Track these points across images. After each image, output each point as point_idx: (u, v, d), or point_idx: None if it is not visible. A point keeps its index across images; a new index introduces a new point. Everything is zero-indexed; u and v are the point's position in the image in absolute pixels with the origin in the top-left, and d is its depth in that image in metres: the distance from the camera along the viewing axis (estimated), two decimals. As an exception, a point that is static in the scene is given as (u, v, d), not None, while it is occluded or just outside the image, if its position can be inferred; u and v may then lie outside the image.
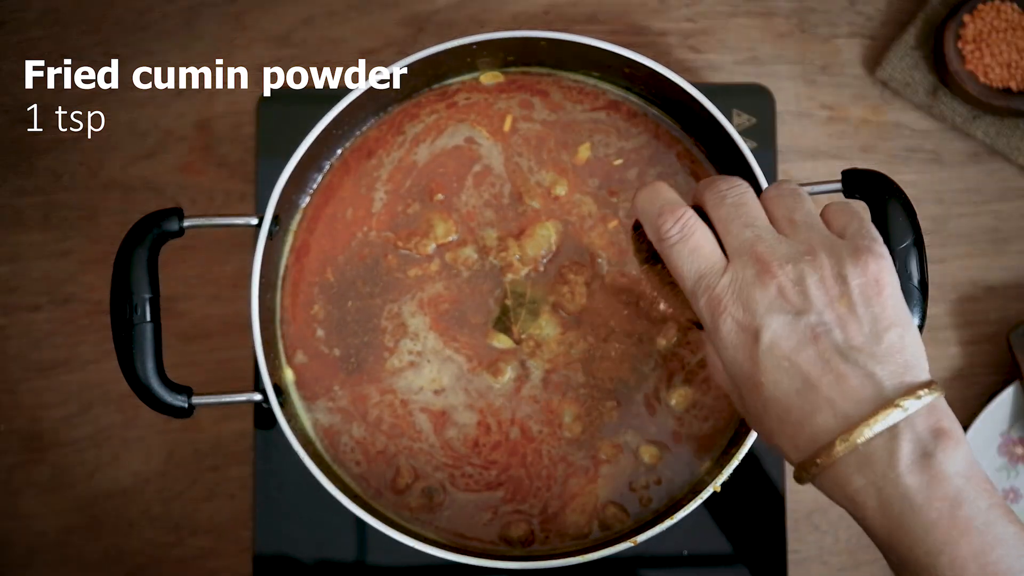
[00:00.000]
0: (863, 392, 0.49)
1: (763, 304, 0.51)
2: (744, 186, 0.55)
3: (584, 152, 0.73)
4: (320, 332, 0.72)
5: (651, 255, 0.60)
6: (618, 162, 0.73)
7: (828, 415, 0.49)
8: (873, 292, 0.51)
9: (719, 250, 0.53)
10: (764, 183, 0.68)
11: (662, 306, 0.71)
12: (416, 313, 0.71)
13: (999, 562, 0.48)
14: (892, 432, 0.49)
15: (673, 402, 0.71)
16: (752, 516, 0.78)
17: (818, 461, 0.50)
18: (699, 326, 0.58)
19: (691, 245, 0.53)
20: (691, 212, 0.54)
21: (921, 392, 0.49)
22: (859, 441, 0.49)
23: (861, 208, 0.56)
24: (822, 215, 0.55)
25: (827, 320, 0.50)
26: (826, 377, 0.49)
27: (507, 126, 0.73)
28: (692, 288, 0.53)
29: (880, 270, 0.52)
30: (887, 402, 0.49)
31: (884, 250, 0.53)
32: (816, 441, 0.50)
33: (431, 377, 0.71)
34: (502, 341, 0.71)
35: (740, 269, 0.52)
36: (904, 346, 0.51)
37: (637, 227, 0.61)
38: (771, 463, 0.78)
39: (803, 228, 0.53)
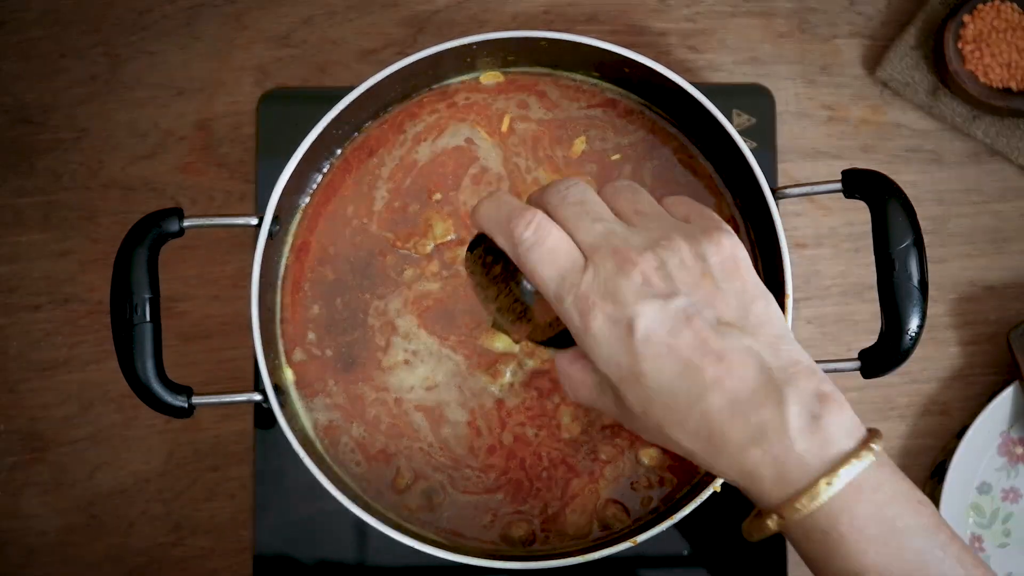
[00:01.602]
0: (745, 368, 0.49)
1: (631, 294, 0.50)
2: (582, 183, 0.54)
3: (579, 146, 0.73)
4: (315, 329, 0.72)
5: (493, 275, 0.58)
6: (615, 157, 0.73)
7: (717, 396, 0.49)
8: (731, 267, 0.52)
9: (576, 249, 0.52)
10: (764, 183, 0.68)
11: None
12: (405, 312, 0.72)
13: (896, 519, 0.49)
14: (779, 400, 0.49)
15: None
16: (752, 516, 0.78)
17: (716, 440, 0.50)
18: (550, 343, 0.56)
19: (548, 246, 0.52)
20: (541, 213, 0.53)
21: (799, 359, 0.50)
22: (751, 415, 0.49)
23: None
24: (662, 206, 0.55)
25: (696, 300, 0.50)
26: (707, 357, 0.49)
27: (505, 126, 0.73)
28: (556, 290, 0.52)
29: (733, 245, 0.52)
30: (770, 374, 0.49)
31: (729, 228, 0.53)
32: (709, 422, 0.50)
33: (424, 375, 0.71)
34: (502, 340, 0.71)
35: (601, 263, 0.51)
36: (770, 317, 0.52)
37: (472, 247, 0.58)
38: (771, 463, 0.78)
39: (651, 217, 0.53)
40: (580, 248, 0.52)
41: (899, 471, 0.51)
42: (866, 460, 0.49)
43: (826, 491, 0.48)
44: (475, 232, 0.58)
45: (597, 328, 0.50)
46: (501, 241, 0.54)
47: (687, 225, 0.53)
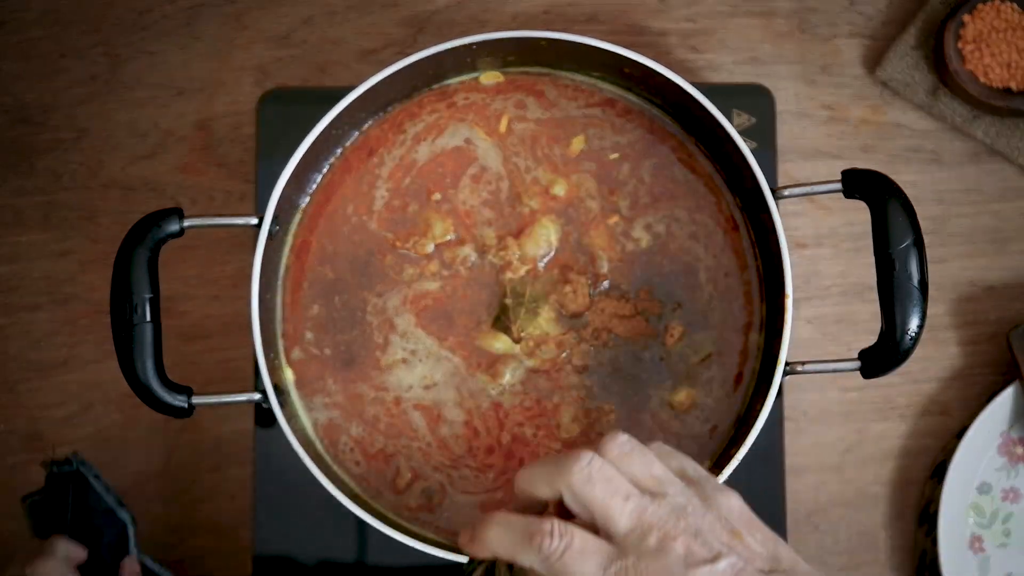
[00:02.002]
0: None
1: (679, 567, 0.51)
2: (593, 455, 0.54)
3: (578, 144, 0.73)
4: (313, 329, 0.72)
5: None
6: (614, 156, 0.73)
7: None
8: (748, 519, 0.54)
9: (601, 540, 0.52)
10: (764, 183, 0.68)
11: (502, 340, 0.71)
12: (404, 310, 0.72)
13: None
14: None
15: (674, 403, 0.71)
16: (752, 516, 0.78)
17: None
18: None
19: (577, 547, 0.52)
20: (557, 520, 0.53)
21: None
22: None
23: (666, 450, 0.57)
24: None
25: (738, 558, 0.52)
26: None
27: (503, 126, 0.73)
28: None
29: (737, 498, 0.54)
30: None
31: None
32: None
33: (422, 374, 0.71)
34: (502, 340, 0.71)
35: (639, 544, 0.51)
36: (791, 555, 0.54)
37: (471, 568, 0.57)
38: (771, 464, 0.78)
39: (666, 483, 0.53)
40: (609, 532, 0.52)
41: None
42: None
43: None
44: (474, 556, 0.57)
45: None
46: (527, 559, 0.53)
47: (696, 486, 0.54)
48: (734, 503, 0.54)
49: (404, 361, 0.71)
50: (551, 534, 0.52)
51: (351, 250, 0.72)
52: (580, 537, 0.52)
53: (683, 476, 0.55)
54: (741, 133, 0.71)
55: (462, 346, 0.71)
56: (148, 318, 0.64)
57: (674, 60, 0.83)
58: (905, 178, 0.82)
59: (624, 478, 0.53)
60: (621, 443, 0.54)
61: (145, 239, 0.65)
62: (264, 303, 0.68)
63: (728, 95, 0.77)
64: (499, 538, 0.54)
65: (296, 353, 0.72)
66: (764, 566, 0.52)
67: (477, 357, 0.71)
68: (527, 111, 0.74)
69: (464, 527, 0.56)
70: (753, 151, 0.68)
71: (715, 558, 0.51)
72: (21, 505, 0.71)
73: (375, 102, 0.72)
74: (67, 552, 0.70)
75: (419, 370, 0.71)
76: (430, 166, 0.73)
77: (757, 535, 0.53)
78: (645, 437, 0.71)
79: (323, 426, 0.71)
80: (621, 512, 0.52)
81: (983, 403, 0.79)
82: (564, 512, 0.53)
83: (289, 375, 0.71)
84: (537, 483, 0.54)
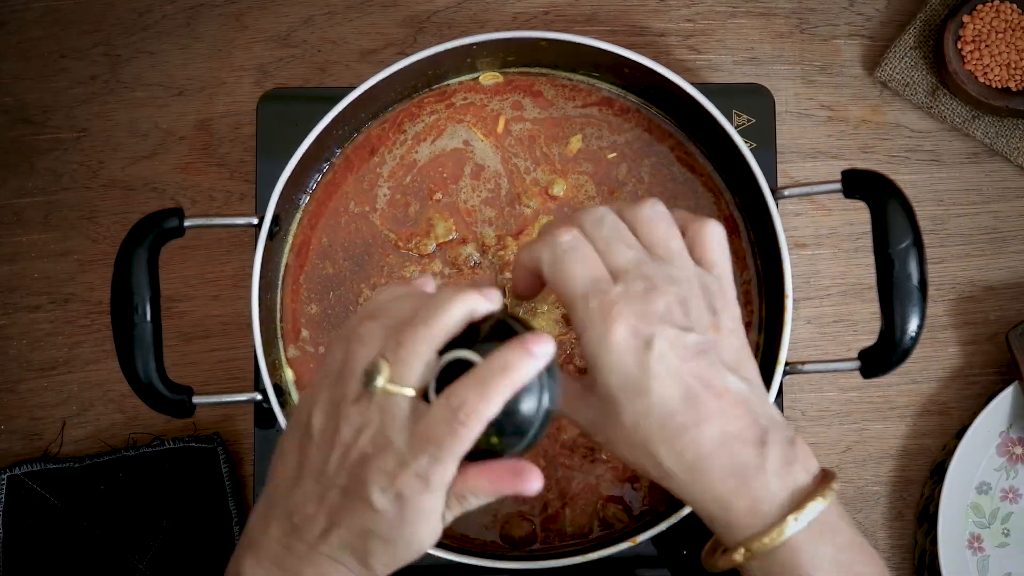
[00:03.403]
0: (738, 408, 0.54)
1: (654, 315, 0.54)
2: (613, 213, 0.57)
3: (576, 144, 0.73)
4: (308, 326, 0.72)
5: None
6: (612, 155, 0.73)
7: (710, 426, 0.53)
8: (736, 327, 0.57)
9: (605, 267, 0.55)
10: (764, 183, 0.68)
11: None
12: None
13: (853, 564, 0.54)
14: (762, 442, 0.54)
15: None
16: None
17: (699, 465, 0.54)
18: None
19: (583, 252, 0.55)
20: (576, 228, 0.56)
21: (775, 413, 0.56)
22: (737, 450, 0.53)
23: (719, 232, 0.58)
24: (684, 234, 0.58)
25: (707, 340, 0.55)
26: (709, 391, 0.54)
27: (500, 127, 0.74)
28: (584, 289, 0.54)
29: (739, 314, 0.57)
30: (756, 418, 0.54)
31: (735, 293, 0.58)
32: (698, 447, 0.53)
33: None
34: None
35: (631, 281, 0.54)
36: (758, 376, 0.57)
37: None
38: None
39: (677, 258, 0.56)
40: (609, 268, 0.55)
41: (850, 517, 0.55)
42: (828, 498, 0.53)
43: (793, 526, 0.53)
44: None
45: (618, 335, 0.53)
46: (539, 247, 0.56)
47: (707, 276, 0.57)
48: (733, 310, 0.57)
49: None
50: (569, 231, 0.56)
51: (351, 243, 0.72)
52: (591, 250, 0.56)
53: (701, 261, 0.57)
54: (741, 133, 0.71)
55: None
56: (148, 318, 0.64)
57: (674, 60, 0.83)
58: (905, 178, 0.82)
59: (633, 237, 0.56)
60: (652, 208, 0.57)
61: (145, 239, 0.65)
62: (264, 303, 0.68)
63: (728, 95, 0.77)
64: (529, 248, 0.57)
65: (292, 351, 0.72)
66: (729, 361, 0.55)
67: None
68: (524, 111, 0.74)
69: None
70: (753, 151, 0.68)
71: (687, 329, 0.54)
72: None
73: (375, 102, 0.72)
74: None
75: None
76: (430, 166, 0.73)
77: (736, 342, 0.56)
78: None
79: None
80: (620, 255, 0.55)
81: (982, 403, 0.79)
82: None
83: (289, 375, 0.71)
84: (549, 231, 0.57)
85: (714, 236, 0.58)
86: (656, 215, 0.57)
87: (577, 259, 0.55)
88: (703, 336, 0.55)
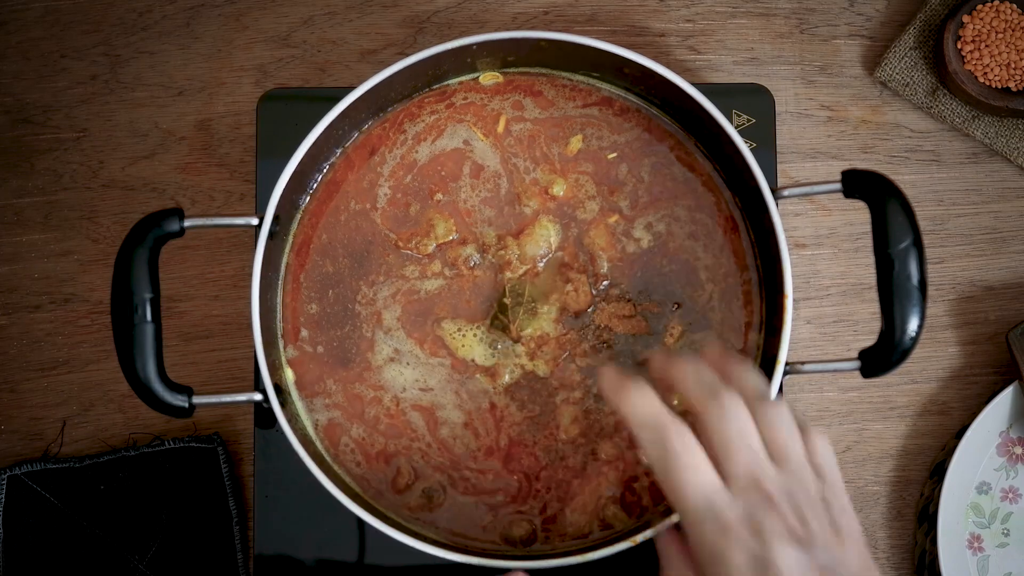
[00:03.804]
0: None
1: (774, 533, 0.52)
2: (739, 400, 0.55)
3: (576, 143, 0.73)
4: (307, 325, 0.72)
5: None
6: (612, 156, 0.73)
7: None
8: (855, 534, 0.55)
9: (715, 471, 0.53)
10: (764, 183, 0.68)
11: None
12: (392, 306, 0.72)
13: None
14: None
15: (675, 403, 0.71)
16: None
17: None
18: None
19: (695, 461, 0.53)
20: (691, 432, 0.54)
21: None
22: None
23: (828, 439, 0.57)
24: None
25: (832, 556, 0.52)
26: None
27: (500, 127, 0.74)
28: (697, 508, 0.52)
29: (855, 517, 0.55)
30: None
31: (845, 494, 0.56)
32: None
33: (415, 378, 0.71)
34: (499, 339, 0.71)
35: (747, 493, 0.52)
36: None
37: None
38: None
39: (794, 462, 0.55)
40: (720, 471, 0.53)
41: None
42: None
43: None
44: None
45: (736, 560, 0.51)
46: (647, 439, 0.55)
47: (821, 484, 0.55)
48: (850, 514, 0.54)
49: (391, 360, 0.71)
50: (681, 436, 0.53)
51: (351, 240, 0.72)
52: (703, 458, 0.53)
53: (814, 464, 0.55)
54: (741, 133, 0.71)
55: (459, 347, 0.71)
56: (148, 318, 0.64)
57: (674, 60, 0.83)
58: (905, 178, 0.82)
59: (755, 433, 0.54)
60: (780, 408, 0.55)
61: (145, 239, 0.65)
62: (264, 303, 0.68)
63: (728, 95, 0.77)
64: (639, 406, 0.55)
65: (292, 351, 0.72)
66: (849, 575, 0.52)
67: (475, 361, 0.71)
68: (524, 111, 0.74)
69: (605, 370, 0.57)
70: (753, 151, 0.68)
71: (809, 544, 0.52)
72: None
73: (375, 102, 0.72)
74: None
75: (417, 370, 0.71)
76: (430, 166, 0.73)
77: (854, 549, 0.53)
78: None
79: (324, 427, 0.71)
80: (740, 460, 0.53)
81: (982, 403, 0.80)
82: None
83: (289, 375, 0.71)
84: (690, 382, 0.55)
85: (827, 441, 0.57)
86: (781, 417, 0.56)
87: (688, 466, 0.53)
88: (826, 552, 0.53)
